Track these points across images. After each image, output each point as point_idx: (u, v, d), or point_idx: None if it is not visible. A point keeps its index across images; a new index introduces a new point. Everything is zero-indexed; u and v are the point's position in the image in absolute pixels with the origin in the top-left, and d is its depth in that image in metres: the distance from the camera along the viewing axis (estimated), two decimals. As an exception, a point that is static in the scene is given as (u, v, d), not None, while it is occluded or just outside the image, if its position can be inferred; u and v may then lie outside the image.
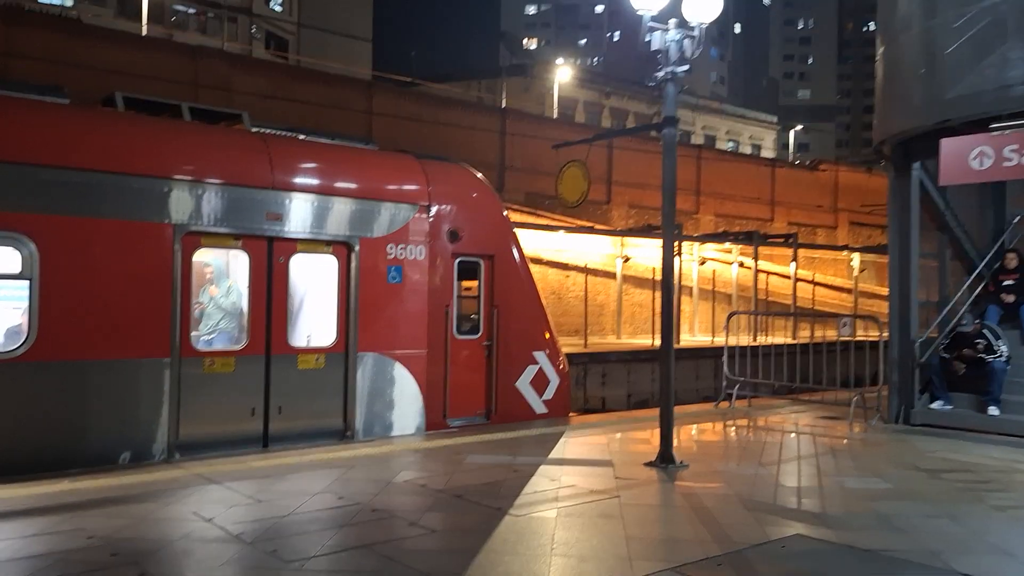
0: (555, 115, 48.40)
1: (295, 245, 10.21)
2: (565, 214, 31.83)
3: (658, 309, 30.52)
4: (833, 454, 10.06)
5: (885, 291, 41.02)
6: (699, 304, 33.34)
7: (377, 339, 10.78)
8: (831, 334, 32.41)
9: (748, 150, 67.86)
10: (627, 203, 36.68)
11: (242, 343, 9.93)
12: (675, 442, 9.94)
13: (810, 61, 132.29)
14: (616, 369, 26.23)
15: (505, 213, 12.50)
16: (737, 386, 14.04)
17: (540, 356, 12.48)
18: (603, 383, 25.99)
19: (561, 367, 12.83)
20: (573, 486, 7.96)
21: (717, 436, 11.35)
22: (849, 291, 40.27)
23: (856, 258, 40.42)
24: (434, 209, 11.33)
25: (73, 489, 7.52)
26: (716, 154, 41.69)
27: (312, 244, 10.35)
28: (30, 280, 8.38)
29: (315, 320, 10.95)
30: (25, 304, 8.45)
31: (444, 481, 8.07)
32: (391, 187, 11.10)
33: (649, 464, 9.01)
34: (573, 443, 10.36)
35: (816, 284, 35.62)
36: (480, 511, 7.03)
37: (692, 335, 32.46)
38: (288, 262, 10.15)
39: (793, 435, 11.35)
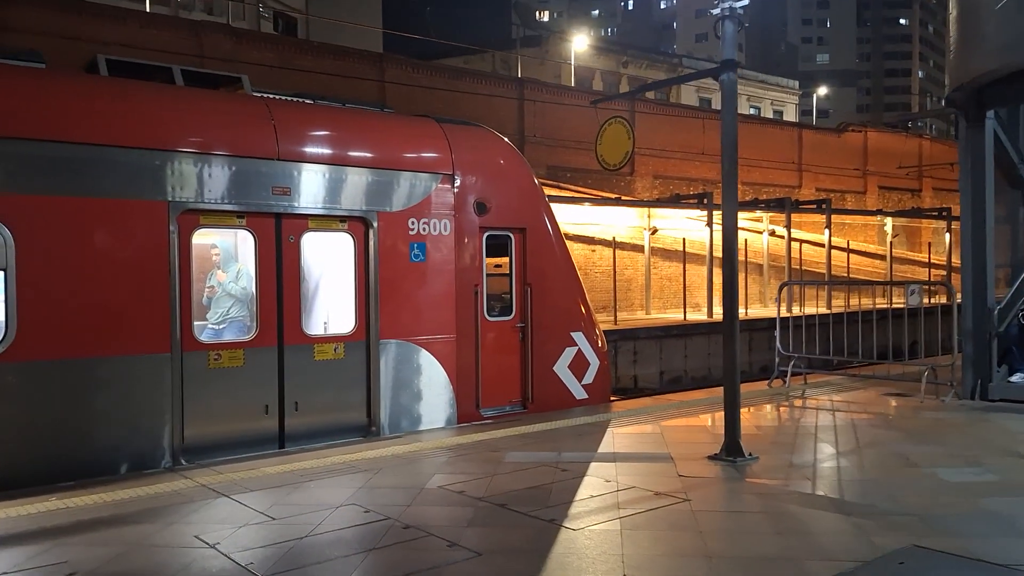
0: (572, 84, 47.00)
1: (306, 222, 9.17)
2: (589, 186, 30.66)
3: (691, 283, 29.47)
4: (914, 438, 8.96)
5: (917, 256, 39.62)
6: (730, 275, 32.12)
7: (400, 325, 9.75)
8: (867, 303, 31.24)
9: (770, 117, 66.18)
10: (651, 173, 35.41)
11: (251, 333, 8.93)
12: (719, 426, 8.89)
13: (828, 25, 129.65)
14: (648, 346, 25.16)
15: (536, 181, 11.40)
16: (792, 362, 12.92)
17: (578, 337, 11.43)
18: (634, 361, 24.93)
19: (600, 348, 11.77)
20: (632, 488, 6.91)
21: (779, 420, 10.26)
22: (883, 257, 38.97)
23: (889, 223, 39.08)
24: (459, 178, 10.25)
25: (60, 509, 6.54)
26: (742, 119, 40.19)
27: (325, 221, 9.31)
28: (4, 271, 7.38)
29: (331, 306, 9.94)
30: (0, 297, 7.47)
31: (484, 486, 7.03)
32: (410, 155, 10.02)
33: (713, 457, 7.96)
34: (622, 434, 9.31)
35: (850, 252, 34.32)
36: (530, 525, 6.00)
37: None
38: (299, 241, 9.12)
39: (863, 416, 10.25)
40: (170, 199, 8.22)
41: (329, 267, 10.03)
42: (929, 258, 37.95)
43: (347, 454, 8.37)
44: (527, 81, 33.46)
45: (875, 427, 9.59)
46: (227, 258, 9.50)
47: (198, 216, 8.51)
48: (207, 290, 9.80)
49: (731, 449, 7.89)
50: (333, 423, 9.35)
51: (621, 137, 9.16)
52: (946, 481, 7.17)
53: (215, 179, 8.50)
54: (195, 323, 8.57)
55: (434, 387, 10.04)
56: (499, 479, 7.27)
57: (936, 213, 39.19)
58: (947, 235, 38.80)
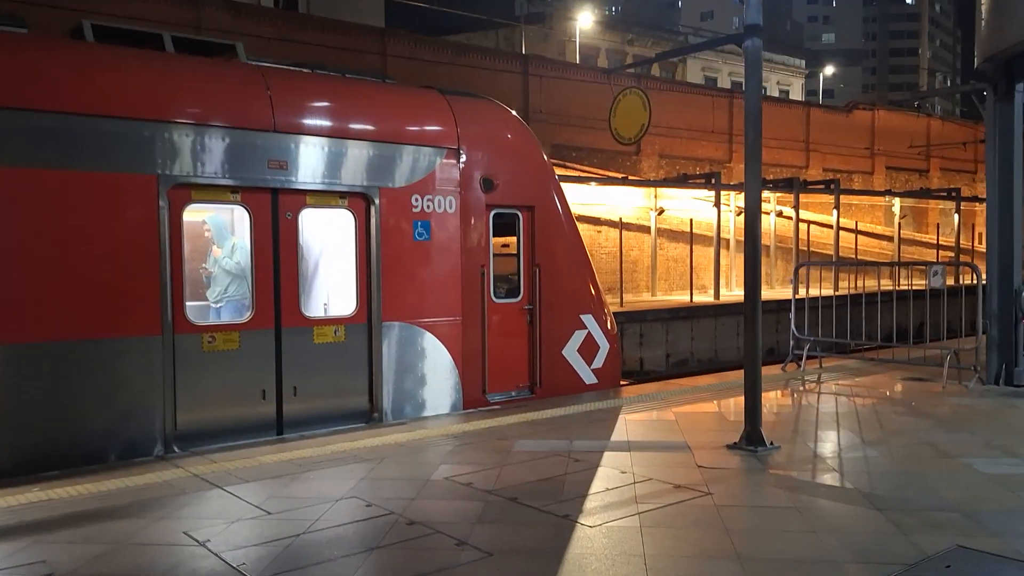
0: (577, 61, 46.37)
1: (304, 198, 8.73)
2: (595, 165, 30.15)
3: (697, 264, 28.99)
4: (942, 425, 8.55)
5: (924, 237, 38.99)
6: (735, 257, 31.69)
7: (404, 306, 9.32)
8: (873, 284, 30.77)
9: (775, 96, 65.44)
10: (657, 153, 34.82)
11: (247, 315, 8.51)
12: (737, 412, 8.50)
13: (834, 4, 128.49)
14: (654, 329, 24.74)
15: (545, 157, 10.94)
16: (808, 346, 12.49)
17: (588, 320, 11.00)
18: (640, 343, 24.50)
19: (610, 331, 11.35)
20: (650, 480, 6.50)
21: (797, 407, 9.85)
22: (890, 239, 38.47)
23: (897, 204, 38.57)
24: (464, 153, 9.80)
25: (43, 501, 6.14)
26: (747, 99, 39.64)
27: (324, 196, 8.87)
28: (-19, 248, 6.96)
29: (331, 287, 9.55)
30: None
31: (493, 478, 6.63)
32: (414, 128, 9.57)
33: (733, 447, 7.55)
34: (635, 421, 8.90)
35: (858, 233, 33.81)
36: (543, 521, 5.59)
37: (729, 289, 30.88)
38: (297, 218, 8.68)
39: (884, 402, 9.84)
40: (160, 173, 7.78)
41: (329, 246, 9.62)
42: (937, 239, 37.42)
43: (348, 442, 7.97)
44: (532, 58, 32.86)
45: (899, 414, 9.18)
46: (222, 234, 9.08)
47: (190, 191, 8.07)
48: (203, 269, 9.41)
49: (752, 438, 7.48)
50: (334, 409, 8.95)
51: (637, 109, 8.71)
52: (983, 473, 6.76)
53: (208, 152, 8.06)
54: (188, 304, 8.16)
55: (439, 372, 9.63)
56: (509, 470, 6.87)
57: (945, 194, 38.63)
58: (956, 216, 38.29)
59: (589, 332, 11.00)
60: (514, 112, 10.90)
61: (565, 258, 10.84)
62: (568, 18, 54.30)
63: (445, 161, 9.66)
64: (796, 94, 69.78)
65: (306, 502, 6.03)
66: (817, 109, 43.87)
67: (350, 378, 9.06)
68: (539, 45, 49.04)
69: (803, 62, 75.89)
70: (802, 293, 13.01)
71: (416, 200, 9.42)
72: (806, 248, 31.54)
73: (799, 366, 12.55)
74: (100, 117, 7.49)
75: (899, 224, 37.01)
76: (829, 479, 6.62)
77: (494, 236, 10.21)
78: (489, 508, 5.88)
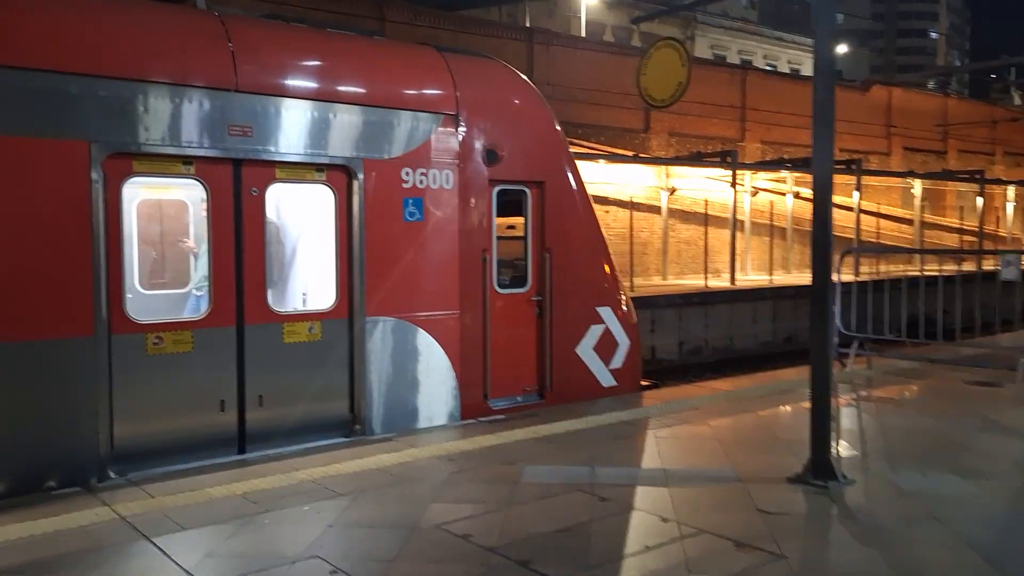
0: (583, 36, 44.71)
1: (273, 171, 7.26)
2: (603, 143, 28.59)
3: (711, 247, 27.51)
4: (1036, 448, 7.13)
5: (944, 220, 37.42)
6: (750, 240, 30.25)
7: (392, 299, 7.88)
8: (884, 269, 29.29)
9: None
10: (667, 130, 33.20)
11: (203, 310, 7.07)
12: (787, 429, 7.13)
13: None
14: (666, 315, 23.28)
15: (558, 126, 9.47)
16: (856, 344, 11.04)
17: (606, 313, 9.55)
18: (652, 330, 23.02)
19: (631, 325, 9.92)
20: (701, 533, 5.06)
21: (857, 420, 8.40)
22: (909, 222, 36.98)
23: (918, 185, 36.99)
24: (464, 120, 8.32)
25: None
26: (761, 76, 37.94)
27: (298, 169, 7.41)
28: None
29: (306, 276, 8.14)
30: None
31: (497, 525, 5.20)
32: (406, 91, 8.09)
33: (797, 480, 6.11)
34: (666, 438, 7.47)
35: (880, 216, 32.34)
36: (567, 601, 4.17)
37: (744, 274, 29.42)
38: (264, 195, 7.21)
39: (959, 414, 8.39)
40: (92, 139, 6.32)
41: (303, 228, 8.22)
42: (961, 223, 35.85)
43: (322, 466, 6.54)
44: (538, 31, 31.26)
45: (981, 429, 7.75)
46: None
47: (131, 161, 6.61)
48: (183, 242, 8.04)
49: (820, 470, 6.04)
50: (308, 420, 7.52)
51: (672, 65, 7.20)
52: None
53: (153, 114, 6.59)
54: (128, 297, 6.72)
55: (433, 374, 8.20)
56: (517, 512, 5.44)
57: (968, 176, 37.04)
58: (979, 200, 36.74)
59: (607, 327, 9.56)
60: (523, 75, 9.41)
61: (579, 241, 9.39)
62: (574, -7, 52.57)
63: (441, 129, 8.18)
64: (807, 73, 68.04)
65: (253, 565, 4.61)
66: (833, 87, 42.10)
67: (327, 384, 7.63)
68: (543, 21, 47.37)
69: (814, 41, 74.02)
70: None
71: (407, 174, 7.95)
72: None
73: (844, 366, 11.10)
74: (13, 69, 6.03)
75: (922, 207, 35.40)
76: (931, 532, 5.17)
77: (498, 216, 8.75)
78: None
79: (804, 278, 28.63)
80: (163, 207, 9.24)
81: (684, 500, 5.66)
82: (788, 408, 8.72)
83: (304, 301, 8.40)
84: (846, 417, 8.41)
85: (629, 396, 9.48)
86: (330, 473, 6.33)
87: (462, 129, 8.29)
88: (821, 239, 6.06)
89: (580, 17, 48.56)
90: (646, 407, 8.78)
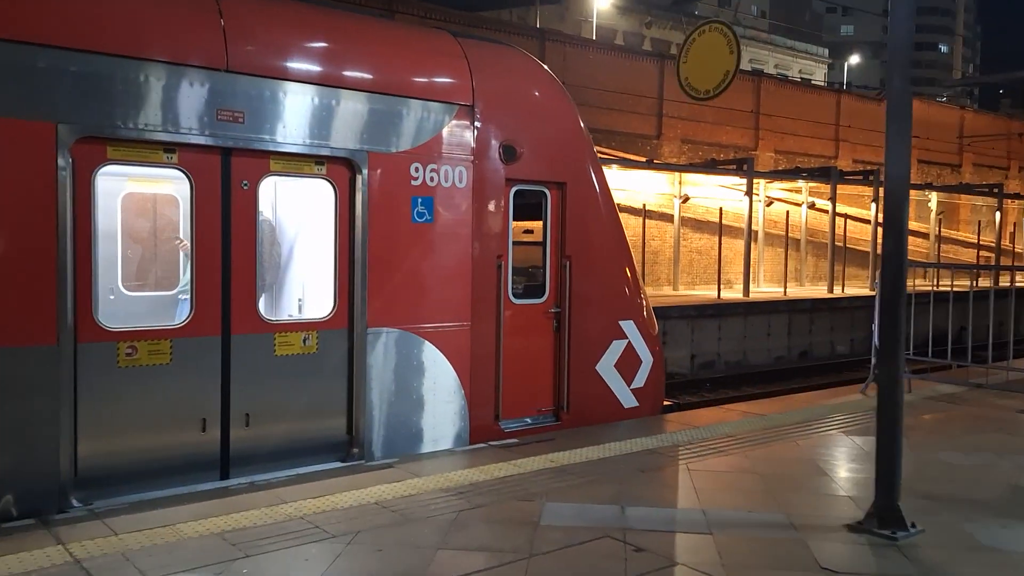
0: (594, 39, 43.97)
1: (267, 162, 6.49)
2: (614, 148, 27.80)
3: (724, 255, 26.68)
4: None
5: (959, 235, 36.48)
6: (763, 250, 29.45)
7: (397, 308, 7.09)
8: (911, 285, 28.44)
9: (798, 84, 62.91)
10: (679, 137, 32.46)
11: (183, 317, 6.29)
12: (834, 464, 6.34)
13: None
14: (678, 327, 22.47)
15: (582, 123, 8.69)
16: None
17: (629, 327, 8.77)
18: (664, 343, 22.22)
19: (654, 341, 9.14)
20: (758, 597, 4.27)
21: (910, 456, 7.57)
22: (924, 236, 36.13)
23: (934, 199, 36.13)
24: (480, 112, 7.54)
25: None
26: (776, 83, 37.17)
27: (295, 161, 6.63)
28: None
29: (301, 281, 7.36)
30: None
31: (517, 582, 4.40)
32: (418, 77, 7.31)
33: (859, 528, 5.30)
34: (702, 472, 6.66)
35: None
36: None
37: (757, 285, 28.60)
38: (256, 188, 6.44)
39: (1017, 450, 7.59)
40: (60, 120, 5.55)
41: (299, 227, 7.46)
42: (979, 239, 35.01)
43: (313, 497, 5.75)
44: (550, 31, 30.53)
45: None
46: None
47: (105, 147, 5.83)
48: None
49: (887, 517, 5.24)
50: (300, 442, 6.74)
51: (719, 51, 6.45)
52: None
53: (130, 93, 5.82)
54: (100, 300, 5.93)
55: (440, 393, 7.41)
56: (540, 566, 4.64)
57: (987, 189, 36.20)
58: (997, 214, 35.90)
59: (629, 342, 8.77)
60: (545, 66, 8.63)
61: (603, 249, 8.60)
62: (585, -2, 51.94)
63: (455, 121, 7.41)
64: (819, 83, 67.30)
65: (225, 630, 3.82)
66: (848, 96, 41.30)
67: (323, 402, 6.85)
68: (554, 25, 46.66)
69: (827, 51, 73.47)
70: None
71: (416, 170, 7.17)
72: (842, 243, 29.20)
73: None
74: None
75: (939, 221, 34.58)
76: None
77: (514, 219, 7.98)
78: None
79: (819, 291, 27.92)
80: (153, 202, 8.49)
81: (732, 552, 4.86)
82: (830, 438, 7.92)
83: (300, 308, 7.65)
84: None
85: (652, 420, 8.70)
86: (322, 508, 5.54)
87: (478, 122, 7.51)
88: (894, 251, 5.27)
89: (591, 21, 47.90)
90: (672, 433, 7.98)
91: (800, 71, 67.67)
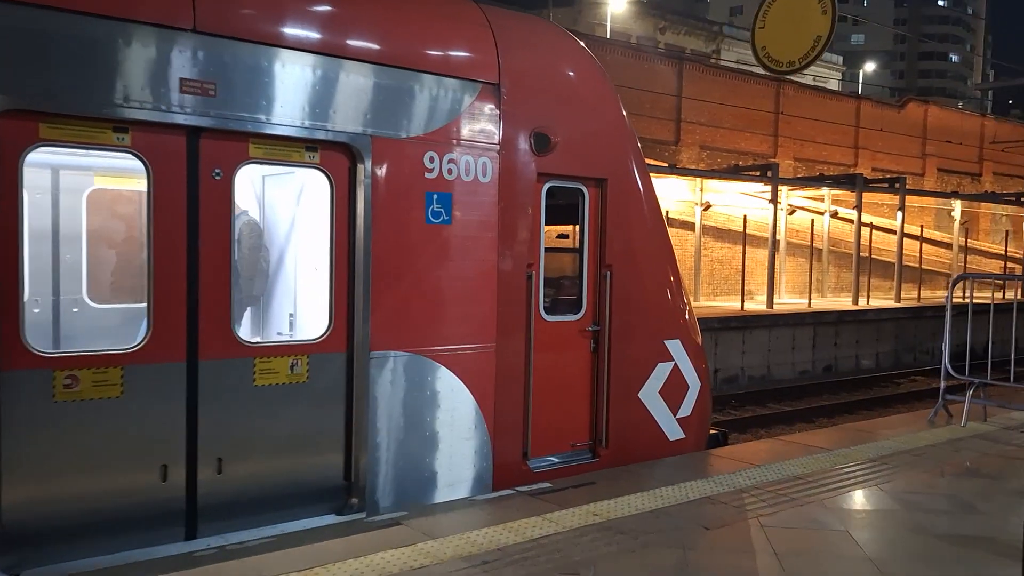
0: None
1: (245, 146, 5.24)
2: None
3: (749, 267, 25.40)
4: None
5: (981, 245, 35.22)
6: (785, 260, 28.20)
7: (406, 327, 5.84)
8: (929, 296, 27.17)
9: (814, 92, 61.76)
10: (698, 143, 31.22)
11: (138, 339, 5.03)
12: (936, 515, 5.06)
13: (865, 3, 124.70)
14: (702, 340, 21.22)
15: (624, 111, 7.44)
16: (973, 388, 8.96)
17: (675, 347, 7.52)
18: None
19: (701, 362, 7.89)
20: None
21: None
22: (948, 246, 34.87)
23: (958, 208, 34.86)
24: (507, 93, 6.30)
25: None
26: (796, 89, 35.93)
27: (281, 146, 5.38)
28: None
29: (288, 293, 6.09)
30: None
31: None
32: (433, 49, 6.06)
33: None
34: (777, 529, 5.38)
35: (923, 240, 30.24)
36: None
37: (780, 296, 27.33)
38: (231, 178, 5.18)
39: None
40: (-22, 89, 4.33)
41: (286, 226, 6.18)
42: (1006, 249, 33.67)
43: (298, 572, 4.48)
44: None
45: None
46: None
47: (36, 124, 4.60)
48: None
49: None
50: (286, 492, 5.48)
51: (809, 12, 5.15)
52: None
53: (71, 58, 4.59)
54: (26, 316, 4.68)
55: (458, 428, 6.15)
56: None
57: (1014, 198, 34.89)
58: (1024, 224, 34.64)
59: (675, 364, 7.52)
60: (581, 42, 7.39)
61: (647, 257, 7.35)
62: (598, 3, 50.86)
63: (478, 102, 6.16)
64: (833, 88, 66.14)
65: None
66: (868, 103, 39.98)
67: (314, 442, 5.59)
68: (567, 28, 45.66)
69: (841, 58, 72.35)
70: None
71: (431, 160, 5.92)
72: (867, 254, 27.92)
73: (949, 415, 9.05)
74: None
75: (966, 231, 33.28)
76: None
77: (546, 222, 6.73)
78: None
79: (842, 303, 26.60)
80: (122, 200, 7.27)
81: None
82: (919, 480, 6.64)
83: (292, 326, 6.41)
84: (994, 503, 6.29)
85: (701, 456, 7.44)
86: (309, 587, 4.28)
87: (504, 104, 6.27)
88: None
89: (605, 25, 46.77)
90: (730, 475, 6.70)
91: (815, 78, 66.43)
